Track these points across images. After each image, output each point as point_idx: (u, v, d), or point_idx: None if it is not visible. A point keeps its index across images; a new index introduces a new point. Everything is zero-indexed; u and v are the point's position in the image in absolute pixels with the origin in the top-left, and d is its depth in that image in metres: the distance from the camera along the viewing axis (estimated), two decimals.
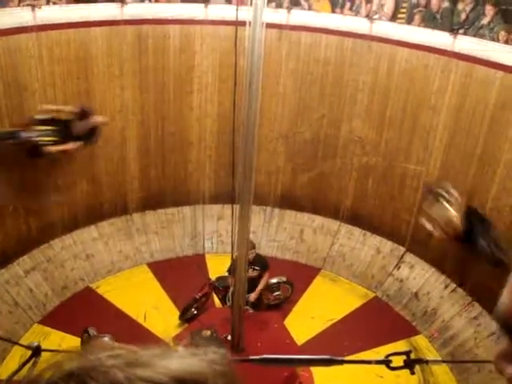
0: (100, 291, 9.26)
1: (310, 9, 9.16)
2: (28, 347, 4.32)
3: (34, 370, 0.78)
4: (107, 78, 8.99)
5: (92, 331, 7.61)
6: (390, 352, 3.40)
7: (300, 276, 9.47)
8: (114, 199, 9.98)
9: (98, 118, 8.39)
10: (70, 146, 8.23)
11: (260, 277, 8.70)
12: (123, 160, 9.79)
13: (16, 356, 7.23)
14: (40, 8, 7.97)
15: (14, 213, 8.56)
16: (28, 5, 7.92)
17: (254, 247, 8.48)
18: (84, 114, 8.26)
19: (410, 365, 3.48)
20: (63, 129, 8.14)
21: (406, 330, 8.88)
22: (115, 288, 9.27)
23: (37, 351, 4.36)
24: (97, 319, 8.15)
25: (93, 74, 8.83)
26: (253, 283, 8.69)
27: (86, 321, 7.90)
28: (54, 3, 8.21)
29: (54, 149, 8.06)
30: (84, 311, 8.59)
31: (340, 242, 10.17)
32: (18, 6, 7.95)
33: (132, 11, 8.72)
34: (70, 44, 8.43)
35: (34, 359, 4.53)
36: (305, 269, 10.02)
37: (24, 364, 4.15)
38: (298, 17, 9.10)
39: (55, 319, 8.50)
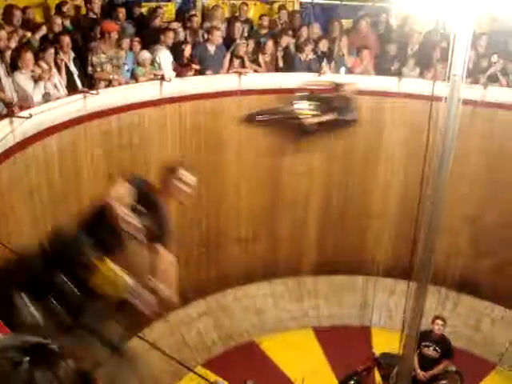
0: (263, 347, 9.43)
1: (508, 85, 8.79)
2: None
3: None
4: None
5: None
6: None
7: (471, 369, 8.66)
8: (290, 259, 10.23)
9: (349, 87, 8.74)
10: (327, 116, 8.71)
11: (438, 362, 8.17)
12: (304, 222, 10.07)
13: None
14: (245, 75, 8.76)
15: (198, 257, 9.22)
16: (235, 72, 8.76)
17: (444, 322, 8.12)
18: (337, 89, 8.72)
19: None
20: (321, 103, 8.73)
21: None
22: (278, 346, 9.36)
23: None
24: (256, 374, 8.28)
25: None
26: (427, 365, 8.19)
27: (245, 373, 8.08)
28: (256, 71, 8.96)
29: (313, 120, 8.66)
30: (245, 363, 8.78)
31: None
32: (227, 72, 8.82)
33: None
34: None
35: None
36: (478, 362, 9.17)
37: None
38: (495, 93, 8.79)
39: (217, 365, 8.82)
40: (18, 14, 7.25)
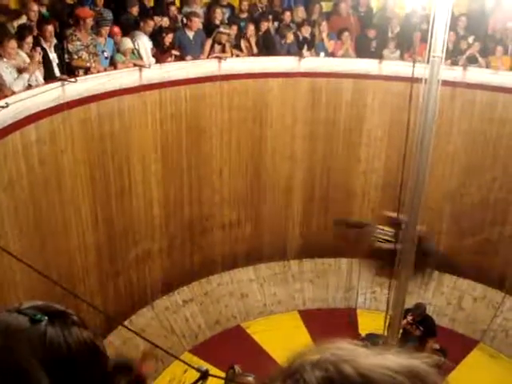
0: (250, 331, 9.47)
1: (487, 66, 8.83)
2: (198, 370, 4.71)
3: None
4: (280, 126, 9.42)
5: (237, 368, 7.75)
6: None
7: (454, 346, 8.77)
8: (275, 243, 10.26)
9: None
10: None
11: (421, 340, 8.24)
12: (287, 206, 10.09)
13: (175, 371, 8.13)
14: (225, 60, 8.69)
15: (182, 244, 9.20)
16: (215, 57, 8.68)
17: (424, 309, 8.19)
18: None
19: None
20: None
21: None
22: (265, 330, 9.41)
23: (205, 375, 4.75)
24: (243, 358, 8.28)
25: (266, 122, 9.33)
26: (410, 343, 8.24)
27: (232, 357, 8.08)
28: (237, 56, 8.88)
29: (382, 245, 9.09)
30: (232, 348, 8.81)
31: (504, 316, 9.35)
32: (207, 58, 8.74)
33: (308, 64, 9.13)
34: (248, 93, 9.03)
35: (201, 381, 4.93)
36: (461, 339, 9.30)
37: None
38: (474, 75, 8.83)
39: (204, 351, 8.84)
40: None
